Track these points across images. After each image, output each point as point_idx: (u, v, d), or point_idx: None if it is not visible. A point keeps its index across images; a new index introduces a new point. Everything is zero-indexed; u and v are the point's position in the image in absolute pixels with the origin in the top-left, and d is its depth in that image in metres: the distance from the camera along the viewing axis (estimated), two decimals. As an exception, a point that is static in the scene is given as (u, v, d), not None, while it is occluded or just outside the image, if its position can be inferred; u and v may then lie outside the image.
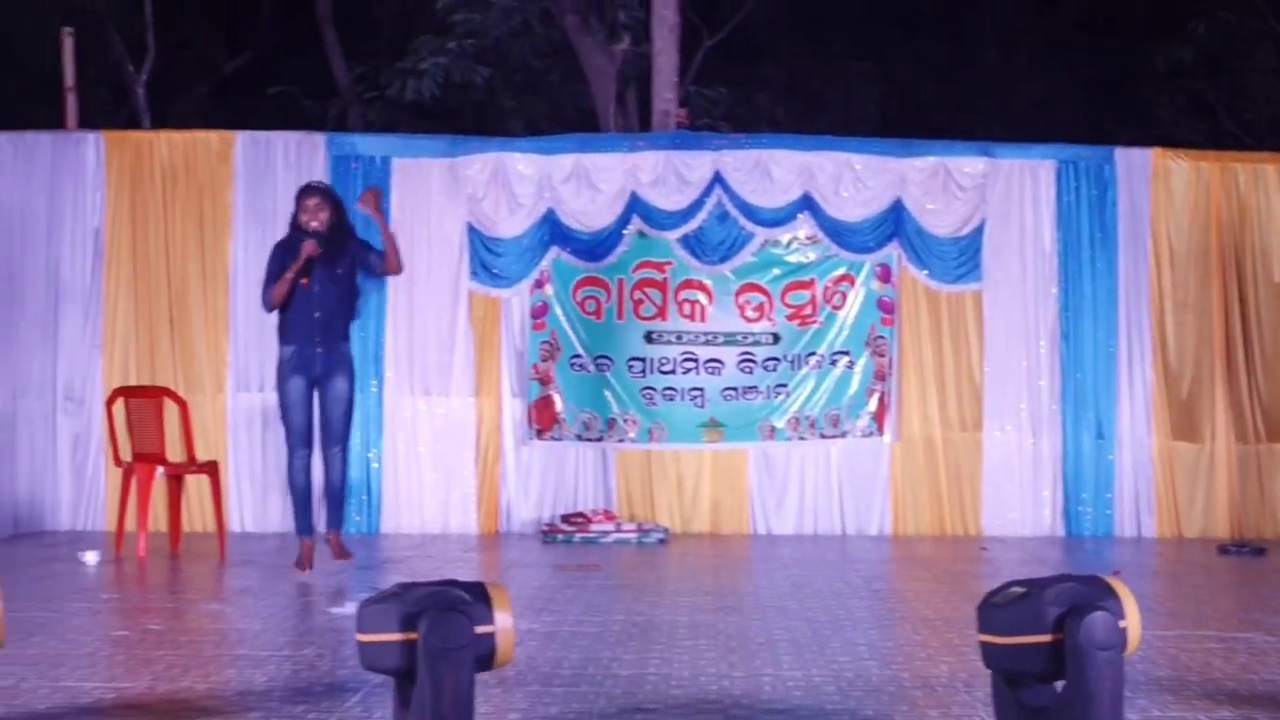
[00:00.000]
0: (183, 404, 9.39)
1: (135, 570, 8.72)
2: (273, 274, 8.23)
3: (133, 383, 10.38)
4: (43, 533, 10.57)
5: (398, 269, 8.45)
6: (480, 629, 4.03)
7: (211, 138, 11.05)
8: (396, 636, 4.01)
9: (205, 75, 18.26)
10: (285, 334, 8.23)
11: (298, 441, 8.23)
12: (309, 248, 8.10)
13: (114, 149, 10.92)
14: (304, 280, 8.13)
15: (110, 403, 9.59)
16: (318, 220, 8.19)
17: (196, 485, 10.09)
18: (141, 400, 9.40)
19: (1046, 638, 4.00)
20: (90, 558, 8.86)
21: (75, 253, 10.86)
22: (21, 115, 15.98)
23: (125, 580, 8.46)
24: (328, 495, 8.37)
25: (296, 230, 8.24)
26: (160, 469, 9.16)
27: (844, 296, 10.80)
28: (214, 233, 10.84)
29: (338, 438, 8.27)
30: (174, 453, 9.39)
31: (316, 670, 5.68)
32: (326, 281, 8.20)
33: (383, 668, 4.09)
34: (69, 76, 11.71)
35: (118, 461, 9.46)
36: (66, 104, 11.65)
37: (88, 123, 12.17)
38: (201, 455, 9.73)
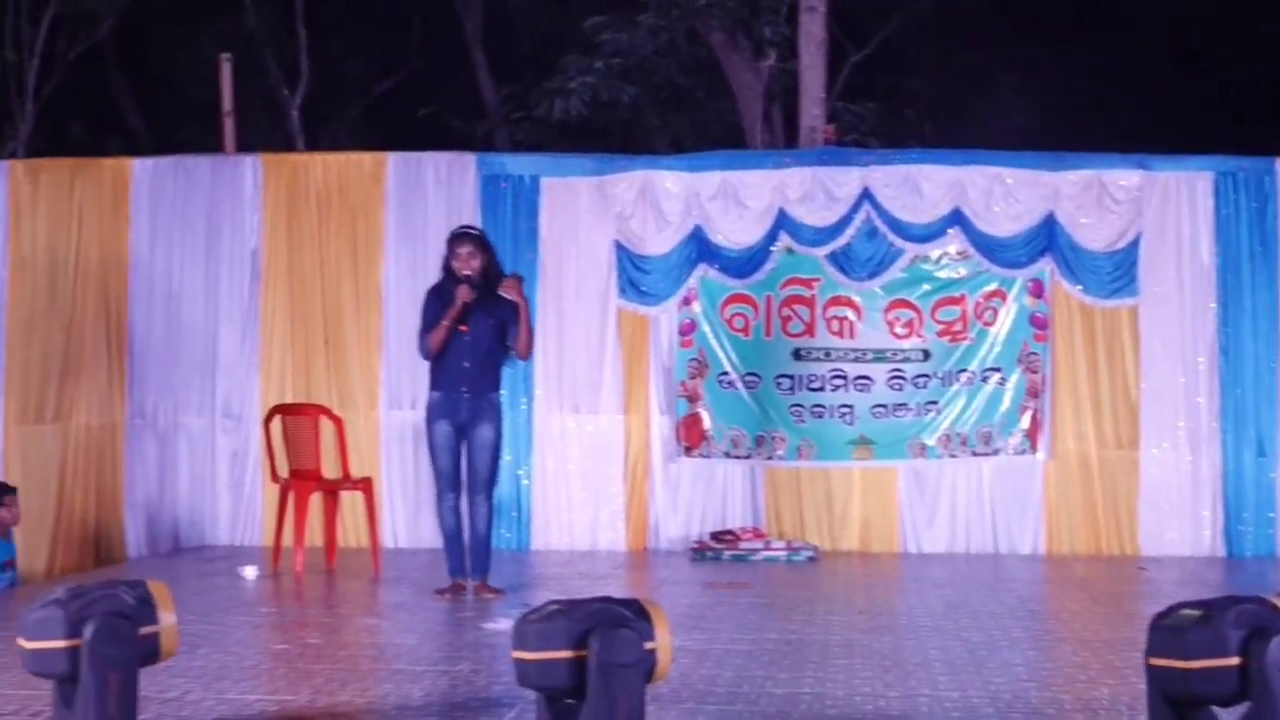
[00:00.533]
0: (338, 421, 9.54)
1: (293, 585, 8.88)
2: (429, 321, 8.20)
3: (289, 400, 10.57)
4: (202, 547, 10.80)
5: (527, 354, 8.40)
6: (645, 645, 4.04)
7: (364, 159, 11.23)
8: (566, 654, 4.01)
9: (357, 98, 18.58)
10: (435, 380, 8.24)
11: (446, 485, 8.25)
12: (464, 294, 8.05)
13: (271, 171, 11.14)
14: (462, 328, 8.11)
15: (268, 420, 9.76)
16: (470, 268, 8.14)
17: (351, 501, 10.24)
18: (298, 418, 9.56)
19: (1232, 661, 3.93)
20: (249, 572, 9.04)
21: (233, 273, 11.10)
22: (182, 139, 16.42)
23: (283, 595, 8.61)
24: (473, 543, 8.31)
25: (449, 276, 8.21)
26: (317, 485, 9.31)
27: (995, 312, 10.66)
28: (367, 252, 11.01)
29: (482, 486, 8.24)
30: (329, 469, 9.54)
31: (472, 685, 5.73)
32: (480, 331, 8.18)
33: (548, 685, 4.09)
34: (227, 101, 11.98)
35: (275, 478, 9.64)
36: (224, 128, 11.93)
37: (245, 146, 12.46)
38: (356, 472, 9.86)
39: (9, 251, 10.99)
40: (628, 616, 4.05)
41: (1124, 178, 10.60)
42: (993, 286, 10.67)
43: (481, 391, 8.19)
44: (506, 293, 8.17)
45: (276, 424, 9.65)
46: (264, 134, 17.27)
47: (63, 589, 4.45)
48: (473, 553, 8.29)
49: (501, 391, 8.38)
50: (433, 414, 8.20)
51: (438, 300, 8.20)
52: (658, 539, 10.79)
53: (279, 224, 11.07)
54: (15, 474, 10.77)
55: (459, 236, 8.32)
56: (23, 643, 4.36)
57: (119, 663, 4.32)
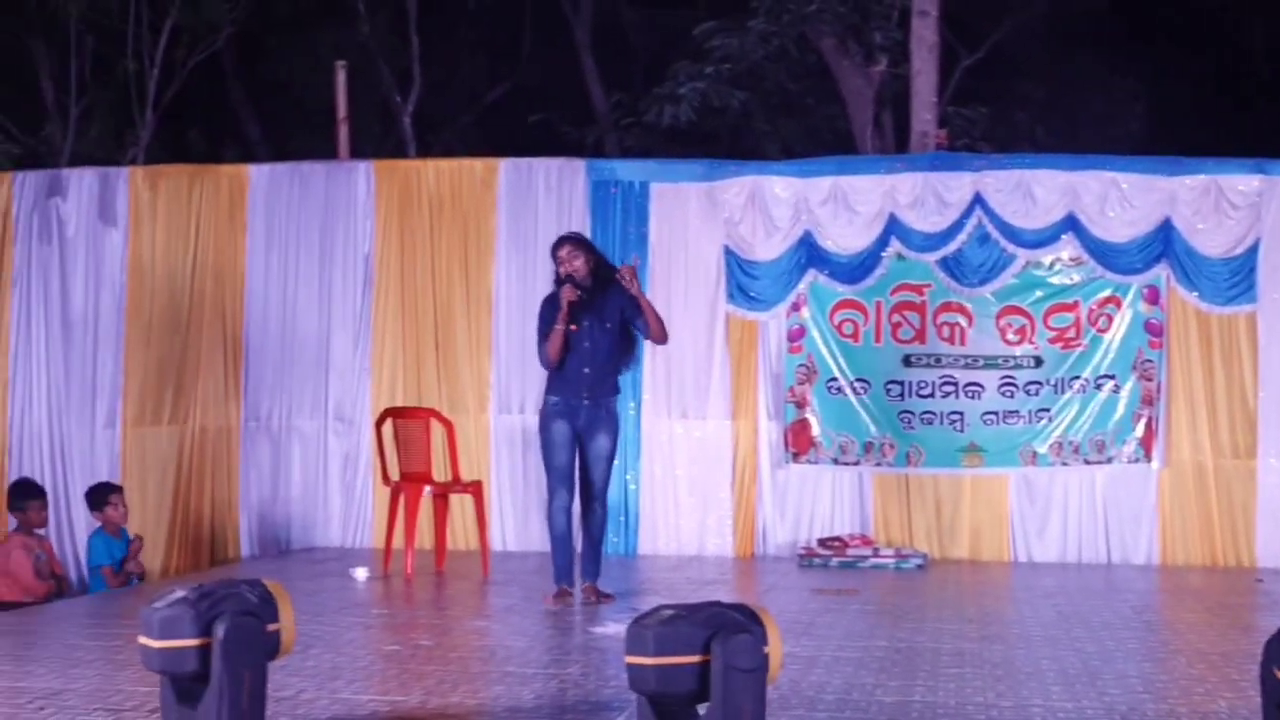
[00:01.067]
0: (448, 425, 9.60)
1: (403, 587, 8.95)
2: (543, 331, 8.10)
3: (400, 404, 10.67)
4: (313, 549, 10.92)
5: (662, 338, 8.27)
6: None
7: (476, 165, 11.30)
8: (688, 659, 4.00)
9: (468, 105, 18.71)
10: (553, 385, 8.12)
11: (560, 483, 8.07)
12: (567, 293, 7.95)
13: (383, 177, 11.25)
14: (573, 327, 7.98)
15: (379, 423, 9.85)
16: (572, 267, 8.04)
17: (460, 504, 10.32)
18: (409, 421, 9.63)
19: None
20: (360, 574, 9.13)
21: (347, 277, 11.22)
22: (297, 147, 16.65)
23: (394, 596, 8.68)
24: (586, 547, 8.23)
25: (557, 283, 8.12)
26: (427, 488, 9.38)
27: (1110, 319, 10.51)
28: (478, 258, 11.08)
29: (598, 494, 8.15)
30: (439, 472, 9.61)
31: (581, 689, 5.73)
32: (597, 334, 8.06)
33: (667, 690, 4.05)
34: (342, 108, 12.12)
35: (386, 481, 9.72)
36: (339, 135, 12.06)
37: (358, 153, 12.59)
38: (465, 475, 9.93)
39: (128, 257, 11.22)
40: (745, 621, 4.04)
41: (1242, 182, 10.41)
42: (1107, 293, 10.52)
43: (600, 398, 8.08)
44: (621, 280, 8.03)
45: (388, 427, 9.73)
46: (377, 141, 17.46)
47: (184, 588, 4.50)
48: (585, 556, 8.19)
49: (619, 396, 8.29)
50: (549, 414, 8.07)
51: (550, 308, 8.11)
52: (765, 545, 10.76)
53: (391, 229, 11.18)
54: (132, 474, 10.99)
55: (558, 241, 8.27)
56: (148, 641, 4.38)
57: (250, 660, 4.37)
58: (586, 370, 8.03)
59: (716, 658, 3.97)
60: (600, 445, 8.09)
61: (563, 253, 8.10)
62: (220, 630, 4.32)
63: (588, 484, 8.11)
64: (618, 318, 8.09)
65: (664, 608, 4.23)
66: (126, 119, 15.07)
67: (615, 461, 10.48)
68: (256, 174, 11.40)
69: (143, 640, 4.43)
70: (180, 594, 4.41)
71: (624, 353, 8.22)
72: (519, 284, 10.89)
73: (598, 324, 8.05)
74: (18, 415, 11.24)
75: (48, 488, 10.43)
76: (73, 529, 11.00)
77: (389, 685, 5.83)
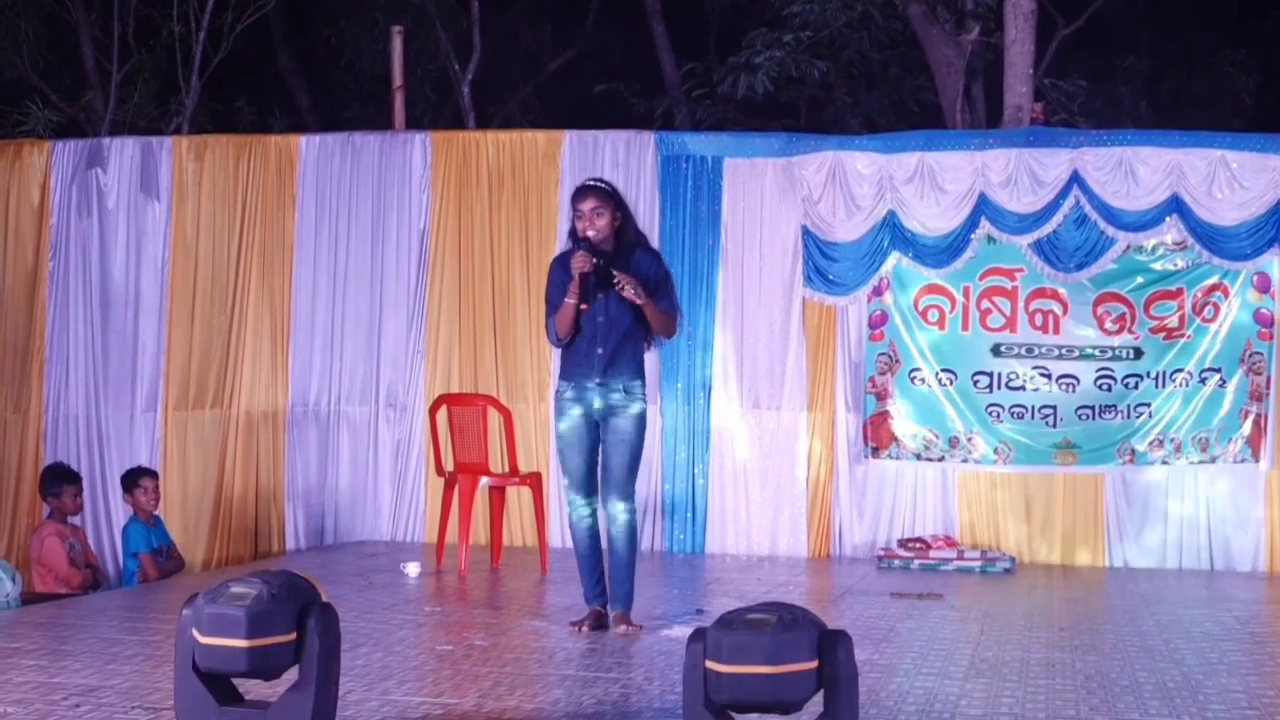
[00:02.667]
0: (506, 413, 9.63)
1: (456, 583, 8.99)
2: (553, 301, 7.14)
3: (455, 390, 10.72)
4: (362, 542, 10.99)
5: (667, 335, 7.25)
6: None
7: (538, 137, 11.32)
8: (809, 666, 3.99)
9: (530, 74, 18.73)
10: (564, 369, 7.20)
11: (576, 489, 7.18)
12: (579, 262, 6.93)
13: (440, 149, 11.29)
14: (583, 306, 6.97)
15: (433, 411, 9.89)
16: (595, 227, 7.00)
17: (517, 497, 10.36)
18: (465, 409, 9.66)
19: None
20: (412, 569, 9.17)
21: (400, 255, 11.28)
22: (349, 118, 16.71)
23: (447, 593, 8.73)
24: (612, 565, 7.20)
25: (574, 241, 7.10)
26: (483, 480, 9.40)
27: (1216, 308, 10.41)
28: (539, 236, 11.10)
29: (619, 487, 7.10)
30: (496, 463, 9.64)
31: (645, 695, 5.74)
32: (615, 309, 7.06)
33: (786, 700, 4.04)
34: (397, 75, 12.18)
35: (440, 471, 9.76)
36: (395, 103, 12.11)
37: (414, 123, 12.63)
38: (524, 466, 9.96)
39: (172, 231, 11.33)
40: (818, 621, 4.04)
41: (1362, 163, 10.28)
42: (1213, 280, 10.42)
43: (617, 380, 7.09)
44: (619, 291, 6.95)
45: (442, 415, 9.77)
46: (433, 111, 17.51)
47: (240, 581, 4.42)
48: (612, 577, 7.21)
49: (643, 380, 7.21)
50: (560, 405, 7.16)
51: (561, 272, 7.11)
52: (841, 545, 10.73)
53: (448, 205, 11.22)
54: (172, 461, 11.12)
55: (582, 189, 7.16)
56: (226, 641, 4.30)
57: (337, 654, 4.40)
58: (600, 350, 7.09)
59: (829, 663, 3.96)
60: (621, 428, 7.09)
61: (586, 206, 7.05)
62: (316, 625, 4.32)
63: (607, 476, 7.14)
64: (643, 290, 7.04)
65: (746, 610, 4.20)
66: (171, 86, 15.18)
67: (679, 454, 10.66)
68: (306, 145, 11.48)
69: (216, 640, 4.31)
70: (244, 588, 4.35)
71: (648, 330, 7.16)
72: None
73: (616, 298, 7.01)
74: (54, 397, 11.38)
75: (83, 473, 10.55)
76: (110, 517, 11.15)
77: (442, 687, 5.85)
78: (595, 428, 7.14)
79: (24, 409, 11.40)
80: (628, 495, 7.14)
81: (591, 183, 7.21)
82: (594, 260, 6.94)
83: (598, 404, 7.10)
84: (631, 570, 7.23)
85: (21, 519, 11.27)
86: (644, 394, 7.20)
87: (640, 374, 7.19)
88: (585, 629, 7.09)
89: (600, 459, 7.16)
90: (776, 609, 4.12)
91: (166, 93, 15.40)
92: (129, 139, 11.83)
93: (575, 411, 7.12)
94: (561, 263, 7.16)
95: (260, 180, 11.38)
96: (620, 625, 7.12)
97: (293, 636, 4.32)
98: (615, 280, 6.93)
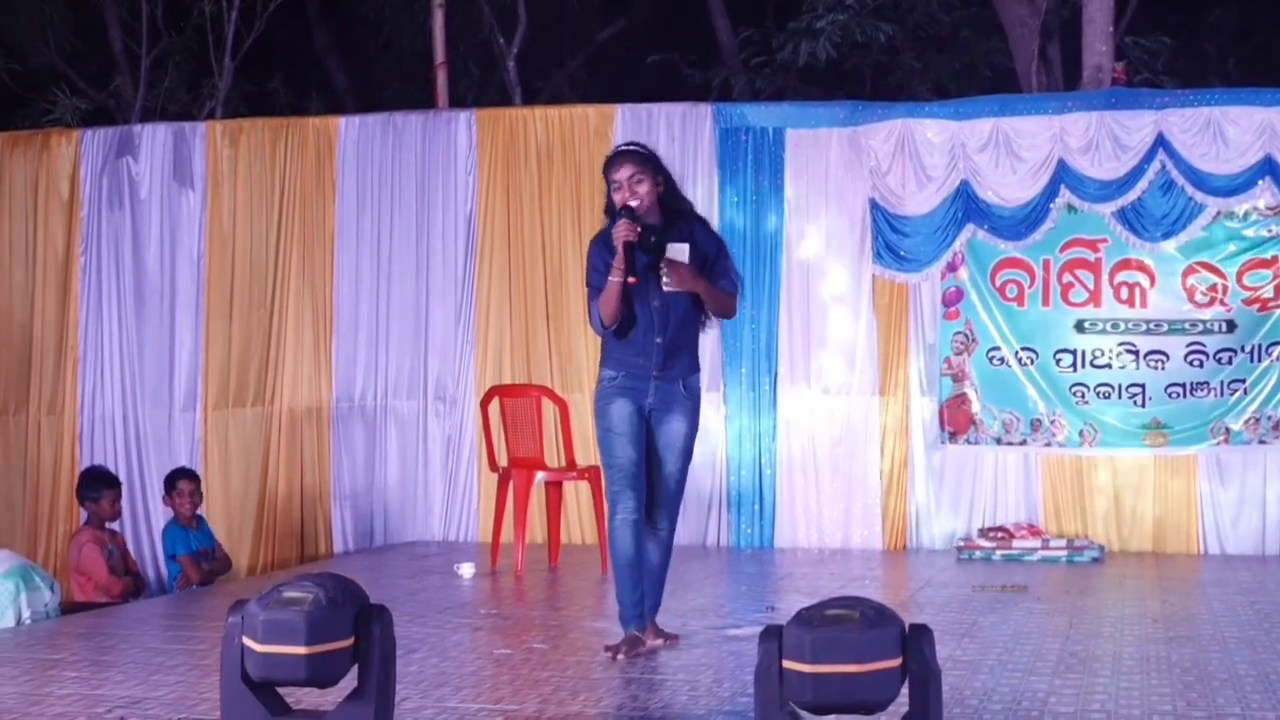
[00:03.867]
0: (562, 404, 9.65)
1: (513, 584, 9.03)
2: (595, 284, 6.65)
3: (507, 381, 10.75)
4: (414, 542, 11.05)
5: (727, 314, 6.87)
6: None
7: (589, 112, 11.34)
8: (895, 663, 4.00)
9: (579, 46, 18.74)
10: (611, 357, 6.70)
11: (625, 486, 6.58)
12: (622, 230, 6.42)
13: (486, 128, 11.32)
14: (631, 279, 6.45)
15: (485, 403, 9.93)
16: (636, 195, 6.53)
17: (575, 492, 10.38)
18: (518, 400, 9.70)
19: None
20: (466, 570, 9.22)
21: (446, 240, 11.32)
22: (389, 98, 16.77)
23: (503, 594, 8.76)
24: (646, 573, 6.75)
25: (610, 215, 6.69)
26: (539, 475, 9.42)
27: (1314, 276, 10.34)
28: (592, 216, 11.07)
29: (670, 502, 6.73)
30: (552, 457, 9.66)
31: (714, 697, 5.75)
32: (669, 291, 6.60)
33: (874, 700, 4.03)
34: (440, 52, 12.23)
35: (493, 467, 9.80)
36: (437, 81, 12.16)
37: (458, 101, 12.67)
38: (581, 460, 9.96)
39: (208, 221, 11.42)
40: (893, 614, 4.04)
41: None
42: (1311, 246, 10.35)
43: (675, 373, 6.66)
44: (670, 278, 6.55)
45: (494, 407, 9.80)
46: (478, 88, 17.54)
47: (291, 586, 4.43)
48: (647, 587, 6.78)
49: (699, 373, 6.84)
50: (607, 394, 6.67)
51: (603, 252, 6.63)
52: (918, 537, 10.72)
53: (496, 186, 11.25)
54: (213, 461, 11.22)
55: (616, 155, 6.74)
56: (286, 648, 4.26)
57: (392, 657, 4.43)
58: (659, 339, 6.61)
59: (914, 660, 3.96)
60: (674, 430, 6.68)
61: (622, 174, 6.60)
62: (376, 629, 4.35)
63: (659, 484, 6.70)
64: (698, 266, 6.64)
65: (821, 606, 4.19)
66: (203, 68, 15.28)
67: (744, 445, 10.64)
68: (346, 126, 11.54)
69: (273, 648, 4.28)
70: (298, 592, 4.35)
71: (703, 311, 6.75)
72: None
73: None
74: (89, 397, 11.50)
75: (121, 476, 10.64)
76: (150, 521, 11.26)
77: (501, 693, 5.88)
78: (644, 423, 6.66)
79: (59, 410, 11.54)
80: (675, 512, 6.77)
81: (626, 147, 6.79)
82: (637, 228, 6.46)
83: (651, 399, 6.64)
84: (664, 582, 6.88)
85: (59, 525, 11.41)
86: (699, 392, 6.81)
87: (698, 366, 6.83)
88: (622, 656, 6.54)
89: (653, 463, 6.70)
90: (856, 603, 4.11)
91: (198, 76, 15.50)
92: (160, 125, 11.93)
93: (625, 401, 6.62)
94: (604, 242, 6.63)
95: (298, 165, 11.45)
96: (658, 639, 6.78)
97: (351, 642, 4.34)
98: (664, 268, 6.51)
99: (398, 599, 8.03)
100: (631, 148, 6.76)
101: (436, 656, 6.56)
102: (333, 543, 11.29)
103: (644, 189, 6.56)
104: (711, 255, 6.72)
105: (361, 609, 4.39)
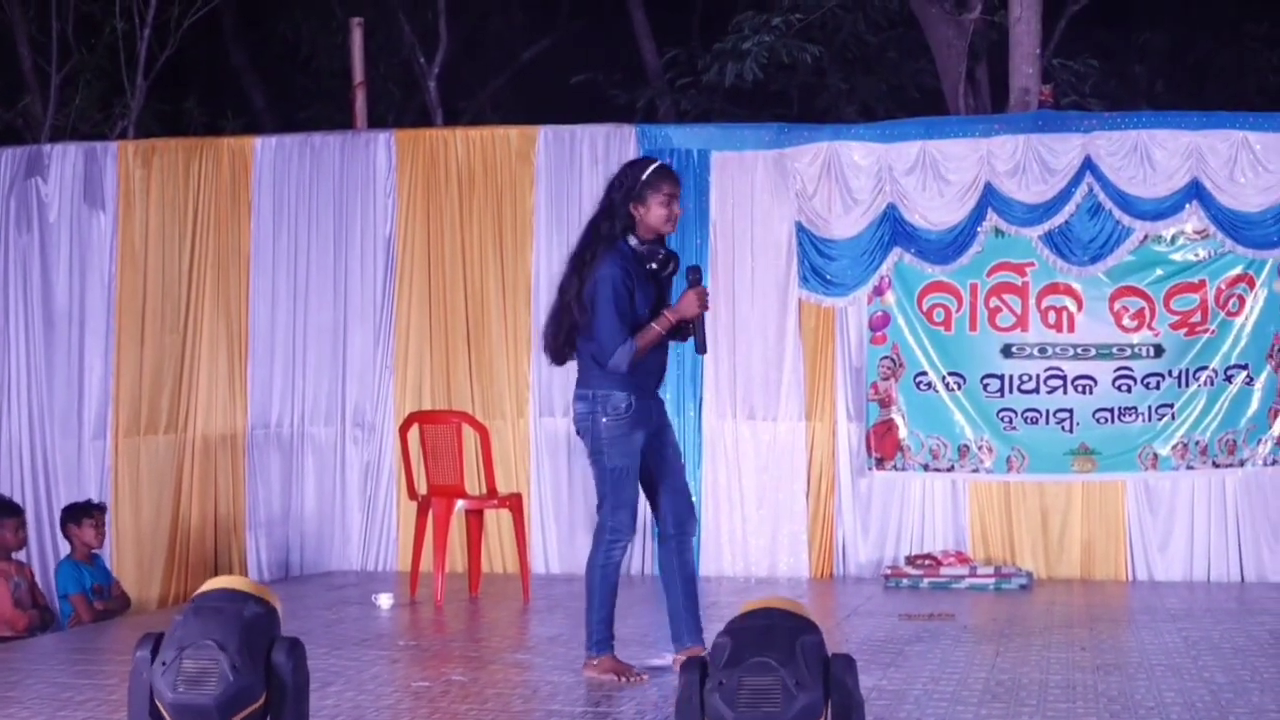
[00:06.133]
0: (483, 430, 9.64)
1: (433, 615, 9.01)
2: (622, 310, 6.54)
3: (428, 407, 10.73)
4: (330, 573, 11.00)
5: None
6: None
7: (511, 134, 11.34)
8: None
9: (501, 65, 18.77)
10: (625, 379, 6.61)
11: (630, 520, 6.71)
12: (695, 301, 6.61)
13: (405, 149, 11.31)
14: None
15: (404, 430, 9.91)
16: (673, 217, 6.64)
17: (496, 521, 10.37)
18: (438, 427, 9.68)
19: None
20: (384, 601, 9.19)
21: (365, 263, 11.29)
22: (307, 118, 16.73)
23: (422, 625, 8.75)
24: (685, 594, 6.85)
25: (637, 241, 6.65)
26: (460, 503, 9.41)
27: (1241, 300, 10.45)
28: (515, 239, 11.12)
29: (692, 507, 6.97)
30: (473, 485, 9.66)
31: (636, 729, 5.76)
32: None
33: None
34: (358, 71, 12.21)
35: (412, 495, 9.78)
36: (355, 101, 12.14)
37: (377, 122, 12.66)
38: (502, 487, 9.97)
39: (118, 243, 11.33)
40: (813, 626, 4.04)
41: (1394, 142, 10.33)
42: (1238, 270, 10.46)
43: (662, 386, 6.98)
44: (690, 307, 6.64)
45: (414, 434, 9.79)
46: (398, 108, 17.55)
47: (185, 656, 4.26)
48: (686, 609, 6.84)
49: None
50: (625, 424, 6.62)
51: (626, 278, 6.56)
52: (845, 564, 10.76)
53: (415, 208, 11.24)
54: (125, 489, 11.11)
55: (663, 172, 6.65)
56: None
57: (305, 693, 4.31)
58: (665, 357, 6.90)
59: (835, 690, 3.96)
60: (673, 438, 6.95)
61: (674, 189, 6.64)
62: (284, 661, 4.17)
63: (677, 496, 6.85)
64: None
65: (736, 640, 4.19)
66: (115, 87, 15.20)
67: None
68: (262, 147, 11.49)
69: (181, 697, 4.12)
70: (201, 662, 4.10)
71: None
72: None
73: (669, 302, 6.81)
74: (-5, 424, 11.37)
75: (28, 505, 10.55)
76: (58, 553, 11.10)
77: (417, 726, 5.87)
78: (648, 444, 6.73)
79: (-38, 438, 11.40)
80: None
81: (666, 165, 6.87)
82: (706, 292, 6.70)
83: (655, 417, 6.76)
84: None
85: (-38, 556, 11.26)
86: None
87: None
88: (625, 681, 6.62)
89: (666, 471, 6.82)
90: (772, 645, 4.12)
91: (110, 95, 15.42)
92: (71, 145, 11.83)
93: (640, 433, 6.65)
94: (624, 264, 6.58)
95: (213, 186, 11.39)
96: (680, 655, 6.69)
97: (263, 701, 4.28)
98: (699, 293, 6.62)
99: (314, 630, 8.00)
100: (670, 168, 6.85)
101: (353, 690, 6.53)
102: (248, 573, 11.20)
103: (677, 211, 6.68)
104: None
105: (271, 654, 4.26)
